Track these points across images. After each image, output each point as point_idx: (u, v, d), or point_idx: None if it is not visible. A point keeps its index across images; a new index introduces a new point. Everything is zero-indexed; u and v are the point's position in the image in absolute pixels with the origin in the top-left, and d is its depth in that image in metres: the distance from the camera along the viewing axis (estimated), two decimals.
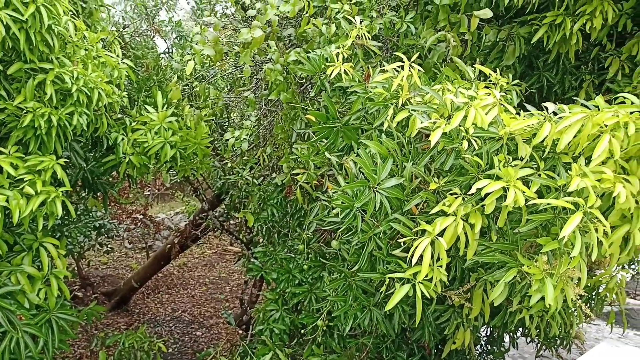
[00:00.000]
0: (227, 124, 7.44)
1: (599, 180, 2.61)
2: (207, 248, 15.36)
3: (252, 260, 5.61)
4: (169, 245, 9.71)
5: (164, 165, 4.92)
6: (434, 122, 3.00)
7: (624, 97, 2.91)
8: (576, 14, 4.36)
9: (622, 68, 4.75)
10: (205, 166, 5.43)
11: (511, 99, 4.05)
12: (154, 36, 7.43)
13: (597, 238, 2.51)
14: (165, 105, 4.95)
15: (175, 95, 4.87)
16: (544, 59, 4.96)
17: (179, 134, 4.88)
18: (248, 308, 7.38)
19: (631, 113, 2.71)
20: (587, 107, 2.90)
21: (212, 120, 6.17)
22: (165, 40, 8.44)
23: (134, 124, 4.69)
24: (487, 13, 4.30)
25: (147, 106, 4.83)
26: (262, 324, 4.99)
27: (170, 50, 8.77)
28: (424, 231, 2.83)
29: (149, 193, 16.99)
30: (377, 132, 3.44)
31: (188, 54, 6.46)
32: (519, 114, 3.14)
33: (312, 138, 4.32)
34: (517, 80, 4.41)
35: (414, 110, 3.18)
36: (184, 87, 5.70)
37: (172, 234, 11.38)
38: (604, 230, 2.54)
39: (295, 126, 4.64)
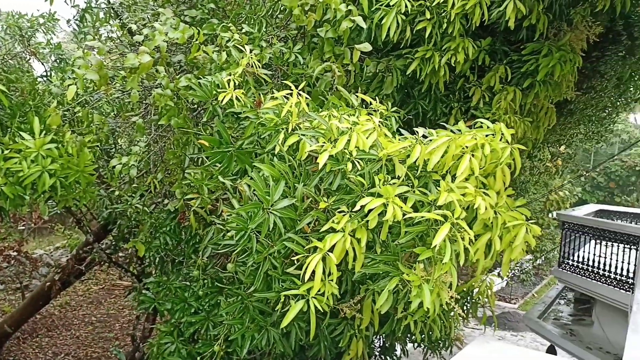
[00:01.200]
0: (114, 150, 7.10)
1: (463, 195, 2.97)
2: (93, 284, 14.24)
3: (143, 292, 5.36)
4: (48, 283, 8.86)
5: (42, 195, 4.58)
6: (322, 146, 3.21)
7: (482, 122, 3.37)
8: (443, 50, 4.94)
9: (483, 97, 5.45)
10: (89, 195, 5.12)
11: (390, 124, 4.46)
12: (29, 59, 6.92)
13: (464, 245, 2.86)
14: (44, 132, 4.63)
15: (55, 121, 4.58)
16: (418, 88, 5.51)
17: (59, 161, 4.58)
18: (141, 344, 6.98)
19: (487, 136, 3.14)
20: (452, 131, 3.31)
21: (97, 146, 5.86)
22: (43, 64, 7.88)
23: (6, 152, 4.32)
24: (366, 47, 4.69)
25: (22, 133, 4.48)
26: (157, 358, 4.77)
27: (49, 74, 8.20)
28: (315, 248, 2.98)
29: (24, 227, 15.37)
30: (270, 155, 3.57)
31: (69, 78, 6.13)
32: (400, 135, 3.48)
33: (205, 163, 4.33)
34: (395, 108, 4.84)
35: (303, 135, 3.36)
36: (65, 112, 5.37)
37: (52, 270, 10.42)
38: (469, 238, 2.89)
39: (187, 151, 4.60)
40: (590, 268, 9.45)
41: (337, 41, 4.98)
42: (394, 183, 3.04)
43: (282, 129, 3.49)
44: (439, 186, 3.02)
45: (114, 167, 4.98)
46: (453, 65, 4.96)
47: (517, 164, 3.20)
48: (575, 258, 9.81)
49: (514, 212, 3.20)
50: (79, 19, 6.91)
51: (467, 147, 3.06)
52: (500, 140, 3.18)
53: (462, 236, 2.85)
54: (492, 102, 5.36)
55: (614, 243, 8.73)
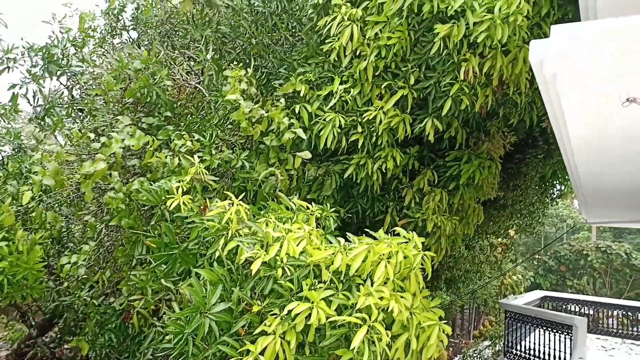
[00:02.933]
0: (66, 239, 7.18)
1: (380, 298, 3.34)
2: None
3: None
4: None
5: None
6: (256, 252, 3.56)
7: (397, 230, 3.83)
8: (375, 157, 5.54)
9: (414, 197, 6.01)
10: (36, 291, 5.20)
11: (329, 225, 4.88)
12: None
13: (383, 346, 3.18)
14: None
15: (8, 220, 4.79)
16: (357, 188, 6.05)
17: (9, 259, 4.72)
18: None
19: (400, 243, 3.59)
20: (373, 237, 3.74)
21: (49, 240, 5.99)
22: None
23: None
24: (307, 154, 5.24)
25: None
26: None
27: (5, 163, 8.37)
28: (248, 350, 3.23)
29: None
30: (211, 259, 3.88)
31: (26, 167, 6.37)
32: (344, 237, 3.85)
33: (152, 264, 4.57)
34: (335, 207, 5.30)
35: (241, 242, 3.72)
36: (19, 209, 5.56)
37: None
38: (387, 339, 3.22)
39: (136, 250, 4.84)
40: (530, 357, 9.76)
41: (281, 148, 5.52)
42: (320, 287, 3.39)
43: (223, 235, 3.84)
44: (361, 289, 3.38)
45: (63, 265, 5.13)
46: (384, 171, 5.54)
47: (427, 269, 3.62)
48: (519, 347, 10.14)
49: (429, 312, 3.58)
50: (42, 114, 7.29)
51: (383, 254, 3.48)
52: (414, 247, 3.63)
53: (380, 337, 3.18)
54: (422, 202, 5.93)
55: (551, 331, 9.17)
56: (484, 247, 10.38)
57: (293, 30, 6.11)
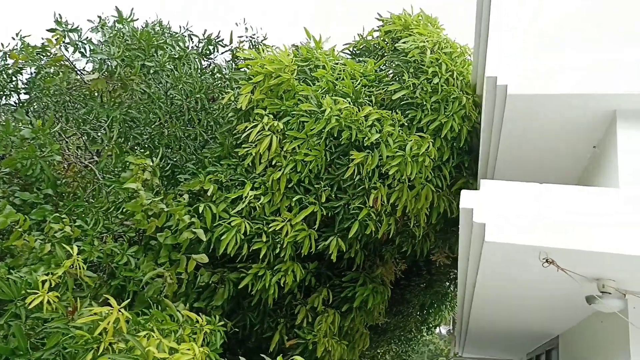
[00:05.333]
0: None
1: None
2: None
3: None
4: None
5: None
6: None
7: None
8: (275, 269, 5.30)
9: (307, 316, 5.77)
10: None
11: (215, 340, 4.40)
12: None
13: None
14: None
15: None
16: (249, 300, 5.66)
17: None
18: None
19: None
20: None
21: None
22: None
23: None
24: (203, 258, 4.85)
25: None
26: None
27: None
28: None
29: None
30: None
31: None
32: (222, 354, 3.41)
33: None
34: (223, 321, 4.83)
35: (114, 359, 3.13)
36: None
37: None
38: None
39: None
40: None
41: (175, 247, 5.06)
42: None
43: (92, 348, 3.21)
44: None
45: None
46: (282, 285, 5.30)
47: None
48: None
49: None
50: None
51: None
52: None
53: None
54: (314, 322, 5.69)
55: None
56: None
57: (208, 128, 5.99)
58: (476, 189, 5.72)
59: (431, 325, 9.64)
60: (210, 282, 5.16)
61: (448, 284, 9.10)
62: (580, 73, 3.42)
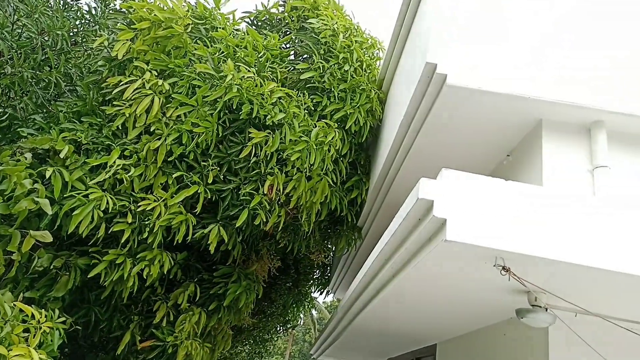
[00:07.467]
0: None
1: None
2: None
3: None
4: None
5: None
6: None
7: None
8: (137, 258, 4.41)
9: (168, 314, 4.95)
10: None
11: (52, 340, 3.45)
12: None
13: None
14: None
15: None
16: (97, 292, 4.64)
17: None
18: None
19: None
20: None
21: None
22: None
23: None
24: (46, 236, 3.77)
25: None
26: None
27: None
28: None
29: None
30: None
31: None
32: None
33: None
34: (63, 317, 3.83)
35: None
36: None
37: None
38: None
39: None
40: None
41: (6, 218, 3.89)
42: None
43: None
44: None
45: None
46: (145, 277, 4.44)
47: None
48: None
49: None
50: None
51: None
52: None
53: None
54: (176, 321, 4.91)
55: None
56: None
57: (67, 76, 4.81)
58: (368, 189, 5.59)
59: (288, 326, 9.35)
60: (52, 267, 4.07)
61: (310, 283, 8.92)
62: (516, 72, 3.37)
